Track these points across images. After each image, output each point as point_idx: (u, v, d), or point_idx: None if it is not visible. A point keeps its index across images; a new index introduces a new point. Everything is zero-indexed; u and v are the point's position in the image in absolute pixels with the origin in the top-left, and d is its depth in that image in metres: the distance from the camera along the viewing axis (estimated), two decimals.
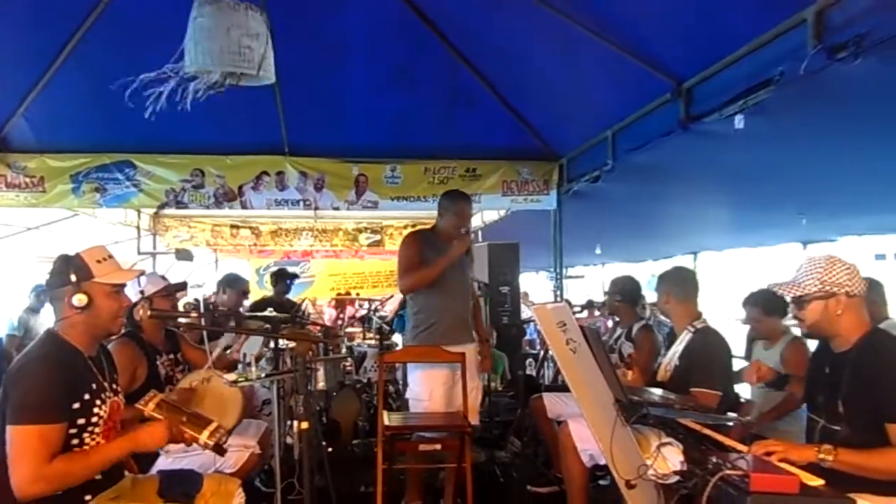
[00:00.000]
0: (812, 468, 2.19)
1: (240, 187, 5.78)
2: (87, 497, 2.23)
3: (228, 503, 2.57)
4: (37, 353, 2.24)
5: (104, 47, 4.53)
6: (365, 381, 5.49)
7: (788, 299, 2.54)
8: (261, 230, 9.76)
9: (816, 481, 2.00)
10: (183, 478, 2.58)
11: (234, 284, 4.99)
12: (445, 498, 3.88)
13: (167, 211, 8.83)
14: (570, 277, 15.49)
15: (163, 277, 3.59)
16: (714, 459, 2.00)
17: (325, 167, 5.85)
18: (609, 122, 4.80)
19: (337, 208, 5.99)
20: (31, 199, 5.61)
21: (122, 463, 2.43)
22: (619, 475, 2.34)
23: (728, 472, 1.91)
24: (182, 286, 3.71)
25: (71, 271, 2.29)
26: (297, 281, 17.01)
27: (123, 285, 2.41)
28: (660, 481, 2.35)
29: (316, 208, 5.99)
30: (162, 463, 3.13)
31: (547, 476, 4.28)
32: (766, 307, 4.02)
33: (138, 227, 8.68)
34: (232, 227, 9.61)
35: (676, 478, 2.25)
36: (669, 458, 2.33)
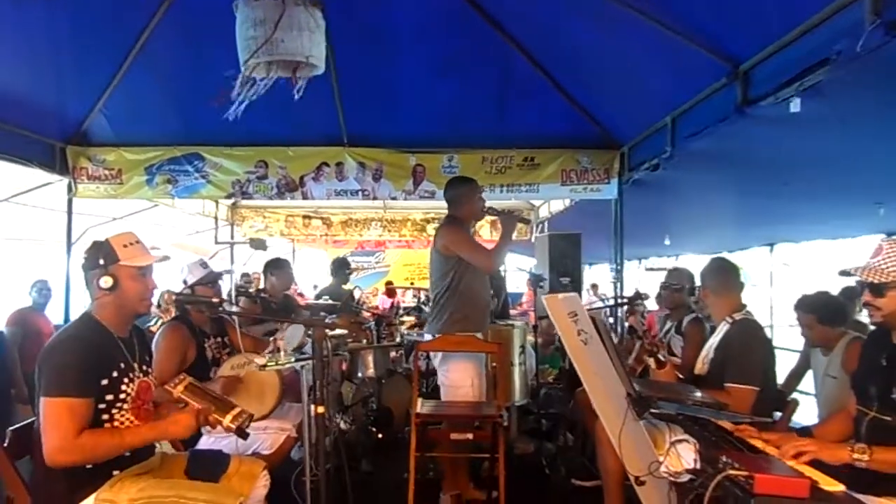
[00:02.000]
0: (838, 471, 2.05)
1: (301, 178, 5.94)
2: (115, 472, 2.36)
3: (253, 485, 2.65)
4: (69, 332, 2.40)
5: (171, 44, 4.75)
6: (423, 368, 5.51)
7: (863, 285, 2.36)
8: (332, 220, 10.01)
9: (835, 486, 1.86)
10: (210, 458, 2.68)
11: (278, 269, 5.08)
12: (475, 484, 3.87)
13: (243, 202, 9.23)
14: (652, 269, 15.10)
15: (203, 265, 3.74)
16: (724, 458, 1.89)
17: (383, 157, 5.92)
18: (668, 108, 4.61)
19: (395, 198, 6.06)
20: (111, 190, 5.96)
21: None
22: (629, 470, 2.26)
23: (733, 472, 1.80)
24: (223, 273, 3.85)
25: (100, 255, 2.43)
26: (372, 271, 17.54)
27: (149, 268, 2.52)
28: (672, 479, 2.25)
29: (374, 198, 6.06)
30: (204, 442, 3.28)
31: (591, 470, 4.19)
32: (821, 315, 3.73)
33: (216, 218, 9.09)
34: (304, 217, 9.90)
35: (689, 476, 2.14)
36: (683, 456, 2.22)
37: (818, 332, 3.79)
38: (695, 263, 7.01)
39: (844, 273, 2.40)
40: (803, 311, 3.82)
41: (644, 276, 14.34)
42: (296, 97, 3.49)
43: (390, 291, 10.55)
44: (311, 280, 14.48)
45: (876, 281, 2.28)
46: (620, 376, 2.23)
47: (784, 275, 8.78)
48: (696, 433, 2.33)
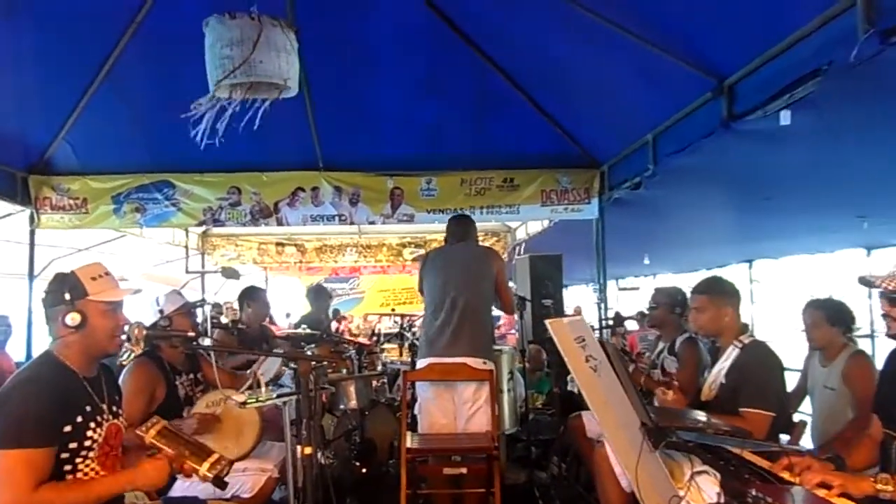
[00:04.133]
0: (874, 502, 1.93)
1: (275, 204, 5.77)
2: None
3: None
4: (26, 374, 2.18)
5: (137, 69, 4.58)
6: (399, 399, 5.33)
7: (878, 293, 2.27)
8: (306, 247, 9.82)
9: None
10: None
11: (254, 299, 4.88)
12: None
13: (215, 230, 9.01)
14: (625, 289, 15.10)
15: (179, 294, 3.54)
16: (753, 493, 1.76)
17: (360, 181, 5.78)
18: (649, 126, 4.56)
19: (373, 222, 5.93)
20: (76, 220, 5.73)
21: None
22: None
23: None
24: (201, 303, 3.66)
25: (65, 290, 2.23)
26: (346, 297, 17.29)
27: (120, 303, 2.33)
28: None
29: (351, 222, 5.92)
30: (179, 487, 3.05)
31: (587, 499, 4.03)
32: (829, 315, 3.70)
33: (186, 247, 8.86)
34: (277, 244, 9.70)
35: None
36: (705, 489, 2.09)
37: (823, 333, 3.72)
38: (672, 282, 6.95)
39: (864, 281, 2.30)
40: (812, 308, 3.77)
41: (619, 296, 14.34)
42: (257, 119, 3.32)
43: (338, 319, 10.34)
44: (283, 308, 14.19)
45: (892, 288, 2.19)
46: (634, 405, 2.10)
47: (763, 292, 8.80)
48: (713, 463, 2.19)
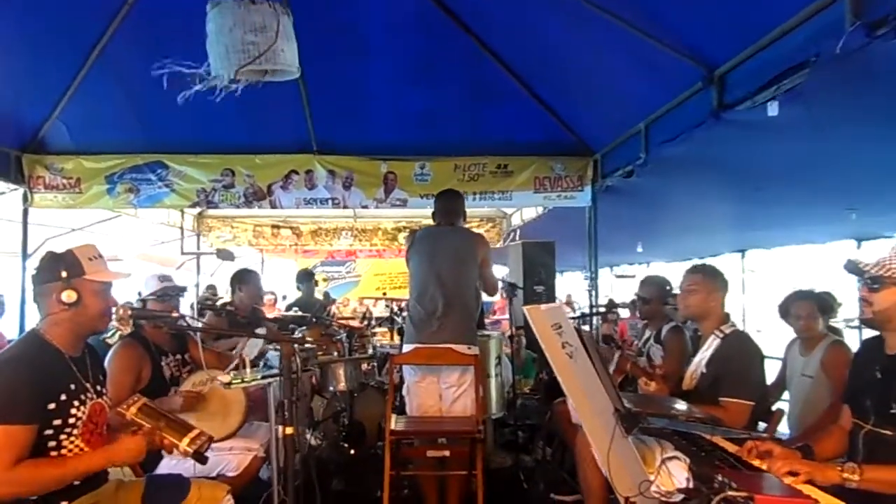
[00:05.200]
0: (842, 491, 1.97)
1: (269, 186, 5.78)
2: (63, 503, 2.18)
3: None
4: (11, 353, 2.22)
5: (131, 49, 4.55)
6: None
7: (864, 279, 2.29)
8: (301, 230, 9.83)
9: None
10: (169, 484, 2.52)
11: (245, 282, 4.90)
12: None
13: (210, 212, 9.01)
14: (622, 277, 15.14)
15: (161, 279, 3.57)
16: (720, 478, 1.79)
17: (354, 165, 5.79)
18: (642, 114, 4.57)
19: (366, 206, 5.94)
20: (69, 199, 5.73)
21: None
22: (618, 491, 2.15)
23: (732, 493, 1.71)
24: (182, 289, 3.68)
25: (62, 268, 2.26)
26: (342, 281, 17.30)
27: (110, 284, 2.36)
28: (663, 499, 2.15)
29: (345, 206, 5.92)
30: (165, 465, 3.09)
31: (570, 484, 4.09)
32: (822, 306, 3.81)
33: (182, 228, 8.86)
34: (273, 227, 9.71)
35: (682, 496, 2.05)
36: (675, 474, 2.13)
37: (814, 324, 3.81)
38: (665, 271, 6.99)
39: (851, 267, 2.32)
40: (802, 299, 3.85)
41: (615, 283, 14.39)
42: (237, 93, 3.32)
43: (330, 303, 10.37)
44: (280, 291, 14.22)
45: (875, 273, 2.22)
46: (608, 391, 2.13)
47: (754, 281, 8.84)
48: (686, 449, 2.23)
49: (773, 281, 9.22)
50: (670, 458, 2.15)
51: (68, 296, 2.24)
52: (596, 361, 2.12)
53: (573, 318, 8.37)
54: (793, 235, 6.59)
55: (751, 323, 8.23)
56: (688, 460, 2.10)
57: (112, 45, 4.51)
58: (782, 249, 7.37)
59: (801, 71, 2.85)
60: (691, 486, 1.95)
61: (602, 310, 5.68)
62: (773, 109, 3.09)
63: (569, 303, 11.48)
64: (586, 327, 6.38)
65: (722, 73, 3.51)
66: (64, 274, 2.27)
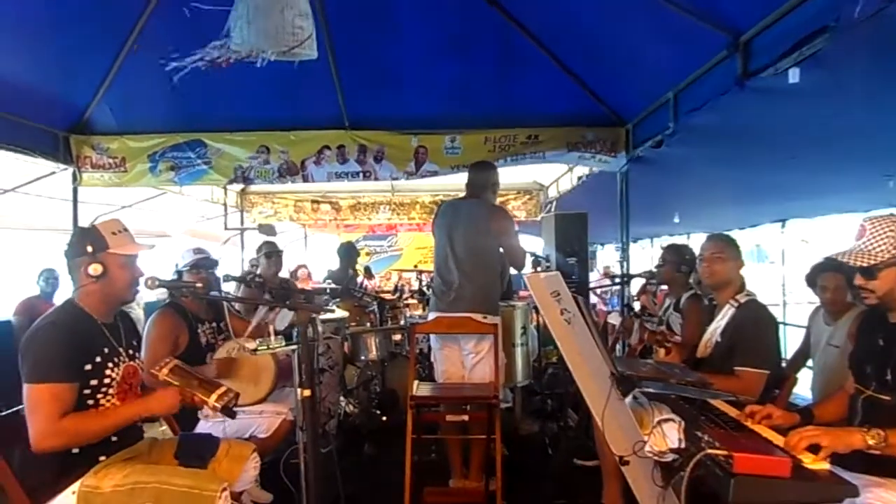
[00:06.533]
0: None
1: (302, 161, 5.91)
2: (101, 458, 2.37)
3: (241, 467, 2.66)
4: (51, 318, 2.40)
5: (167, 29, 4.70)
6: (417, 351, 5.51)
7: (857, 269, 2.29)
8: (340, 205, 9.98)
9: (820, 464, 1.81)
10: (199, 442, 2.69)
11: (267, 256, 5.08)
12: (472, 471, 3.85)
13: (252, 188, 9.25)
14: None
15: (196, 251, 3.75)
16: (706, 438, 1.84)
17: (385, 139, 5.86)
18: (670, 83, 4.51)
19: (396, 178, 6.02)
20: (115, 178, 5.98)
21: (139, 426, 2.55)
22: (614, 450, 2.22)
23: (712, 451, 1.76)
24: (214, 262, 3.86)
25: (87, 242, 2.42)
26: (384, 255, 17.52)
27: (135, 256, 2.51)
28: (657, 459, 2.21)
29: (375, 178, 6.01)
30: (202, 426, 3.29)
31: (593, 450, 4.16)
32: (850, 277, 3.71)
33: (225, 204, 9.13)
34: (313, 202, 9.89)
35: (673, 456, 2.10)
36: (668, 435, 2.18)
37: (840, 296, 3.80)
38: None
39: (830, 260, 2.32)
40: (833, 271, 3.80)
41: (657, 256, 14.18)
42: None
43: (368, 275, 10.51)
44: (324, 265, 14.50)
45: (866, 264, 2.21)
46: (603, 356, 2.19)
47: (796, 252, 8.63)
48: (686, 413, 2.27)
49: (818, 252, 8.97)
50: (665, 420, 2.20)
51: (94, 269, 2.41)
52: (591, 327, 2.18)
53: (606, 286, 8.37)
54: (832, 204, 6.41)
55: (792, 295, 8.05)
56: (682, 422, 2.15)
57: (148, 27, 4.67)
58: (825, 219, 7.17)
59: (822, 36, 2.80)
60: (682, 446, 2.00)
61: (629, 278, 5.66)
62: (794, 76, 3.04)
63: (607, 274, 11.41)
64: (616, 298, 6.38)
65: (747, 39, 3.45)
66: (90, 249, 2.43)
